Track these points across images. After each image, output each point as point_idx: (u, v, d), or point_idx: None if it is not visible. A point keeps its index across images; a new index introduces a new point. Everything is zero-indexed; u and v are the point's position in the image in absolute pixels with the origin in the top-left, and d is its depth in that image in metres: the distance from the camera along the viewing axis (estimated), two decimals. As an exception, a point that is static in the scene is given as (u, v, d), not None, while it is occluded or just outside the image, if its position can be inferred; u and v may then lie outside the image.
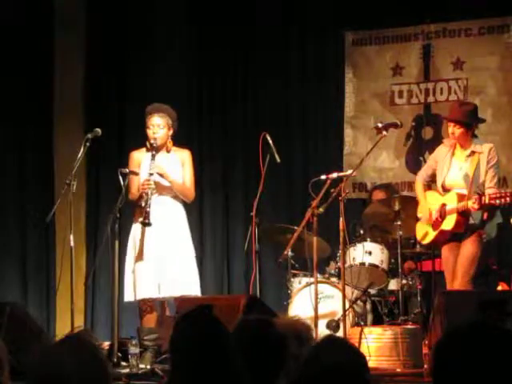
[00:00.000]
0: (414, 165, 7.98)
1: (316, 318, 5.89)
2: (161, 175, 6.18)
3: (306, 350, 2.66)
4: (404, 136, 8.02)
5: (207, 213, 8.37)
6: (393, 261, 6.79)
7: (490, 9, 7.78)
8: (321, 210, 5.97)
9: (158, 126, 6.28)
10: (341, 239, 5.97)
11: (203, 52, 8.47)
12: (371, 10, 8.05)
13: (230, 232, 8.32)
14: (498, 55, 7.85)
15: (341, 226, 5.93)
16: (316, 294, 5.97)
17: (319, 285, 6.21)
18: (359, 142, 8.16)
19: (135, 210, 6.29)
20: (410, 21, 8.03)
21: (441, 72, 8.02)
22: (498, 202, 5.83)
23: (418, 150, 8.00)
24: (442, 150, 6.32)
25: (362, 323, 6.48)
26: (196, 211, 8.17)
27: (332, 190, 6.03)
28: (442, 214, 6.15)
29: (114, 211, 5.99)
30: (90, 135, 6.17)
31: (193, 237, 8.02)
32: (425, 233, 6.32)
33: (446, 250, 6.23)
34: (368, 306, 6.80)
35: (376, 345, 5.94)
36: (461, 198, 6.05)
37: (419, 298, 6.67)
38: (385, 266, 6.73)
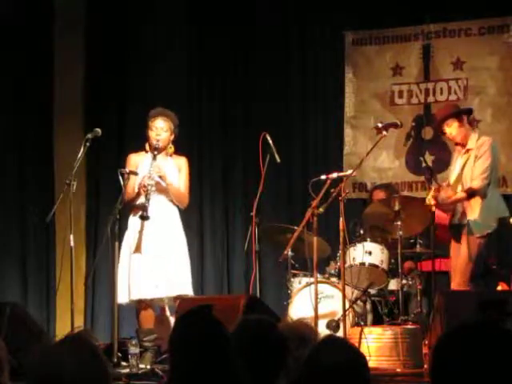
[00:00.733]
0: (414, 165, 7.99)
1: (316, 317, 5.89)
2: (160, 177, 6.18)
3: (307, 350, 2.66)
4: (404, 136, 7.99)
5: (207, 213, 8.37)
6: (393, 261, 6.79)
7: (489, 9, 7.78)
8: (321, 210, 5.97)
9: (162, 128, 6.30)
10: (341, 239, 5.97)
11: (203, 52, 8.47)
12: (371, 10, 8.05)
13: (230, 232, 8.32)
14: (497, 55, 7.85)
15: (341, 226, 5.93)
16: (316, 294, 5.97)
17: (319, 285, 6.21)
18: (359, 142, 8.16)
19: (132, 206, 6.29)
20: (409, 21, 8.03)
21: (441, 72, 8.02)
22: (440, 195, 5.93)
23: (418, 150, 7.99)
24: (455, 155, 6.45)
25: (362, 323, 6.47)
26: (196, 211, 8.18)
27: (332, 190, 6.03)
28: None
29: (114, 212, 5.99)
30: (90, 135, 6.16)
31: (193, 237, 8.06)
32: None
33: (452, 249, 6.31)
34: (368, 306, 6.80)
35: (376, 345, 5.94)
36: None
37: (419, 298, 6.67)
38: (385, 266, 6.73)
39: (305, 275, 6.79)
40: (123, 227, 6.27)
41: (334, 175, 6.18)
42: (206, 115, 8.50)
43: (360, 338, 5.85)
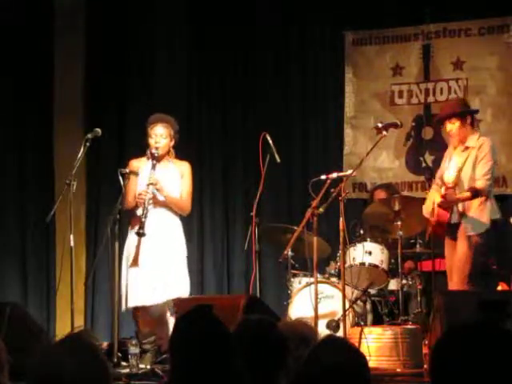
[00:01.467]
0: (414, 165, 7.99)
1: (316, 317, 5.89)
2: (157, 189, 6.15)
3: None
4: (404, 136, 8.01)
5: (207, 213, 8.37)
6: (393, 261, 6.79)
7: (489, 9, 7.78)
8: (321, 210, 5.97)
9: (161, 135, 6.25)
10: (341, 239, 5.97)
11: (203, 52, 8.47)
12: (371, 10, 8.05)
13: (230, 232, 8.32)
14: (497, 55, 7.85)
15: (341, 226, 5.93)
16: (316, 294, 5.97)
17: (319, 285, 6.21)
18: (359, 142, 8.16)
19: (132, 216, 6.28)
20: (410, 21, 8.03)
21: (441, 72, 8.03)
22: (448, 193, 5.94)
23: (418, 150, 8.00)
24: (448, 150, 6.40)
25: (362, 323, 6.47)
26: (196, 211, 8.17)
27: (332, 190, 6.03)
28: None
29: (114, 212, 5.99)
30: (89, 135, 6.16)
31: (193, 237, 8.06)
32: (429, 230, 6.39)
33: (446, 248, 6.28)
34: (368, 306, 6.80)
35: (376, 345, 5.93)
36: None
37: (419, 298, 6.67)
38: (385, 266, 6.73)
39: (305, 275, 6.79)
40: (123, 227, 6.27)
41: (334, 175, 6.18)
42: (205, 115, 8.50)
43: (360, 337, 5.85)
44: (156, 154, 6.16)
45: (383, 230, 6.95)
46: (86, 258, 8.31)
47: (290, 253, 6.64)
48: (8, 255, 8.34)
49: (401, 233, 6.43)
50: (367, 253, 6.70)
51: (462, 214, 6.13)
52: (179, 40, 8.50)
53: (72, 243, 6.02)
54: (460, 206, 6.18)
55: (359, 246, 6.73)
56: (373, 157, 7.85)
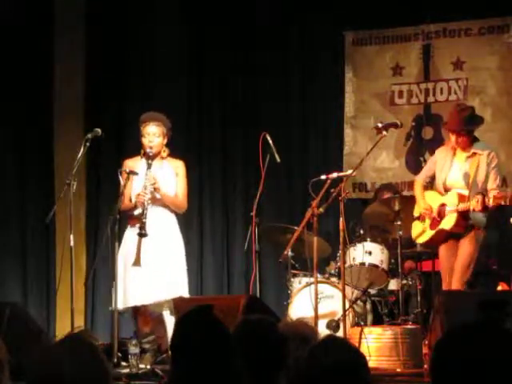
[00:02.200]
0: (414, 165, 7.99)
1: (316, 317, 5.89)
2: (154, 188, 6.17)
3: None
4: (404, 136, 8.02)
5: (207, 213, 8.37)
6: (393, 261, 6.79)
7: (490, 9, 7.78)
8: (321, 210, 5.97)
9: (154, 134, 6.28)
10: (341, 239, 5.96)
11: (203, 52, 8.46)
12: (371, 10, 8.04)
13: (230, 232, 8.31)
14: (497, 55, 7.85)
15: (341, 226, 5.93)
16: (316, 294, 5.97)
17: (319, 285, 6.21)
18: (359, 142, 8.16)
19: (129, 215, 6.29)
20: (409, 21, 8.03)
21: (441, 72, 8.02)
22: (502, 202, 5.83)
23: (417, 150, 8.00)
24: (442, 151, 6.34)
25: (362, 323, 6.48)
26: (196, 211, 8.18)
27: (332, 190, 6.03)
28: (441, 214, 6.17)
29: (114, 212, 5.99)
30: (89, 135, 6.16)
31: (193, 237, 8.06)
32: (421, 231, 6.34)
33: (443, 250, 6.24)
34: (368, 306, 6.80)
35: (376, 345, 5.94)
36: (462, 198, 6.06)
37: (419, 298, 6.67)
38: (385, 266, 6.73)
39: (305, 275, 6.79)
40: (123, 227, 6.27)
41: (334, 175, 6.18)
42: (205, 115, 8.49)
43: (360, 337, 5.85)
44: (150, 154, 6.19)
45: (383, 229, 6.95)
46: (86, 258, 8.31)
47: (290, 253, 6.64)
48: (8, 255, 8.33)
49: (401, 233, 6.44)
50: (367, 253, 6.70)
51: (476, 219, 6.11)
52: (179, 40, 8.49)
53: (72, 243, 6.02)
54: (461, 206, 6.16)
55: (359, 245, 6.74)
56: (373, 157, 7.85)
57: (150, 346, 6.14)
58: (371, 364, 5.21)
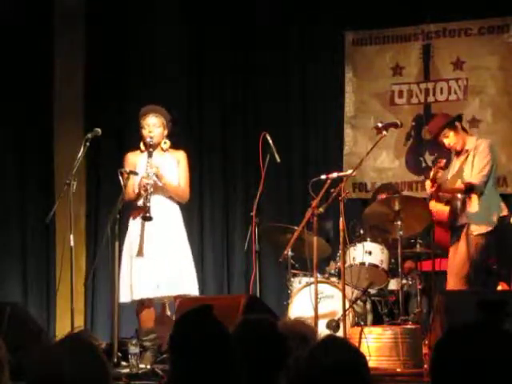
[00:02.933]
0: (414, 165, 8.00)
1: (316, 317, 5.89)
2: (156, 175, 6.18)
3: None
4: (404, 136, 8.02)
5: (207, 213, 8.37)
6: (393, 261, 6.79)
7: (490, 9, 7.78)
8: (321, 210, 5.97)
9: (154, 125, 6.31)
10: (341, 239, 5.97)
11: (203, 52, 8.46)
12: (371, 10, 8.05)
13: (230, 232, 8.32)
14: (498, 55, 7.85)
15: (341, 226, 5.93)
16: (316, 294, 5.97)
17: (319, 285, 6.21)
18: (359, 142, 8.16)
19: (132, 209, 6.31)
20: (409, 21, 8.03)
21: (441, 72, 8.02)
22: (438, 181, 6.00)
23: (417, 150, 8.01)
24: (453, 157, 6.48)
25: (362, 323, 6.47)
26: (196, 211, 8.18)
27: (332, 190, 6.03)
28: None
29: (114, 212, 6.00)
30: (89, 135, 6.17)
31: (193, 237, 8.05)
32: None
33: (451, 251, 6.31)
34: (368, 306, 6.80)
35: (376, 345, 5.93)
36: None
37: (419, 298, 6.67)
38: (385, 265, 6.73)
39: (305, 275, 6.79)
40: (123, 227, 6.27)
41: (334, 175, 6.18)
42: (205, 115, 8.49)
43: (360, 337, 5.85)
44: (151, 142, 6.21)
45: (383, 229, 6.94)
46: (85, 258, 8.31)
47: (289, 253, 6.64)
48: (8, 255, 8.33)
49: (401, 233, 6.43)
50: (367, 253, 6.70)
51: (466, 216, 6.14)
52: (179, 40, 8.50)
53: (72, 243, 6.02)
54: (459, 207, 6.20)
55: (359, 245, 6.73)
56: (373, 157, 7.85)
57: (150, 345, 6.14)
58: (371, 364, 5.21)
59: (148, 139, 6.22)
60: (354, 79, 8.26)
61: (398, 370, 5.78)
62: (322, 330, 6.04)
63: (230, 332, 2.73)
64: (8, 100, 8.32)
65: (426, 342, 5.88)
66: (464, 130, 6.39)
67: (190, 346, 2.55)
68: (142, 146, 6.35)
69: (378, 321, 6.73)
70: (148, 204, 6.04)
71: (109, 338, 6.82)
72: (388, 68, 8.19)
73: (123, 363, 5.85)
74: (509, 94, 7.83)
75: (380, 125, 6.26)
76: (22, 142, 8.47)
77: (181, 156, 6.42)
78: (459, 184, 6.21)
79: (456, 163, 6.36)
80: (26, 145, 8.48)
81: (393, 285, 6.80)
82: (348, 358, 2.38)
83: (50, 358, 2.17)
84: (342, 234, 5.93)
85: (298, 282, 6.77)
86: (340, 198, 5.93)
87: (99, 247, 6.96)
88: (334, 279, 6.74)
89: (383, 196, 7.36)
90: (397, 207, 6.54)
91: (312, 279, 6.23)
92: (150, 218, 6.04)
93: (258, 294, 6.46)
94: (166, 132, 6.38)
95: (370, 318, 6.79)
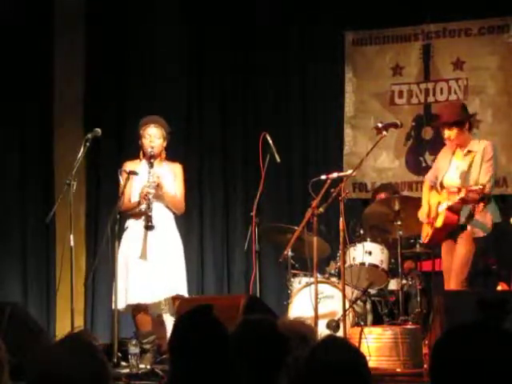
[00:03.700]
0: (414, 165, 8.00)
1: (316, 317, 5.89)
2: (157, 185, 6.21)
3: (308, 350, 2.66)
4: (404, 136, 8.02)
5: (207, 213, 8.37)
6: (393, 261, 6.79)
7: (490, 9, 7.78)
8: (321, 210, 5.97)
9: (155, 135, 6.38)
10: (341, 239, 5.96)
11: (203, 52, 8.46)
12: (371, 10, 8.05)
13: (230, 232, 8.32)
14: (498, 55, 7.85)
15: (341, 226, 5.93)
16: (316, 294, 5.97)
17: (319, 285, 6.21)
18: (359, 142, 8.16)
19: (129, 214, 6.32)
20: (409, 21, 8.03)
21: (441, 72, 8.02)
22: (470, 195, 5.81)
23: (417, 150, 8.01)
24: (444, 151, 6.35)
25: (362, 323, 6.47)
26: (196, 211, 8.18)
27: (332, 190, 6.03)
28: (436, 213, 6.18)
29: (114, 212, 6.00)
30: (89, 135, 6.17)
31: (193, 237, 8.07)
32: (426, 233, 6.33)
33: (443, 250, 6.25)
34: (368, 306, 6.80)
35: (376, 345, 5.93)
36: (451, 194, 6.06)
37: (419, 298, 6.67)
38: (385, 266, 6.73)
39: (305, 275, 6.79)
40: (123, 227, 6.27)
41: (334, 175, 6.18)
42: (206, 115, 8.49)
43: (360, 337, 5.85)
44: (152, 153, 6.26)
45: (383, 229, 6.95)
46: (85, 258, 8.31)
47: (289, 253, 6.64)
48: (8, 255, 8.33)
49: (401, 233, 6.44)
50: (367, 253, 6.70)
51: (469, 217, 6.10)
52: (179, 40, 8.50)
53: (72, 243, 6.02)
54: (467, 208, 6.14)
55: (359, 245, 6.73)
56: (373, 157, 7.85)
57: (150, 347, 6.15)
58: (371, 364, 5.21)
59: (149, 149, 6.28)
60: (354, 79, 8.26)
61: (398, 370, 5.78)
62: (322, 330, 6.04)
63: (230, 332, 2.73)
64: (8, 100, 8.32)
65: (426, 342, 5.88)
66: (470, 130, 6.28)
67: (190, 347, 2.55)
68: (141, 155, 6.39)
69: (377, 321, 6.72)
70: (150, 213, 6.08)
71: (109, 338, 6.82)
72: (388, 68, 8.19)
73: (123, 363, 5.85)
74: (509, 94, 7.83)
75: (380, 125, 6.25)
76: (22, 141, 8.47)
77: (177, 169, 6.49)
78: (475, 186, 6.02)
79: (460, 163, 6.24)
80: (26, 145, 8.48)
81: (393, 285, 6.79)
82: (348, 358, 2.38)
83: (49, 358, 2.17)
84: (341, 234, 5.93)
85: (298, 282, 6.77)
86: (340, 198, 5.92)
87: (99, 247, 6.95)
88: (334, 279, 6.74)
89: (382, 196, 7.37)
90: (397, 207, 6.54)
91: (312, 279, 6.23)
92: (152, 228, 6.09)
93: (258, 294, 6.46)
94: (165, 144, 6.43)
95: (370, 318, 6.78)
